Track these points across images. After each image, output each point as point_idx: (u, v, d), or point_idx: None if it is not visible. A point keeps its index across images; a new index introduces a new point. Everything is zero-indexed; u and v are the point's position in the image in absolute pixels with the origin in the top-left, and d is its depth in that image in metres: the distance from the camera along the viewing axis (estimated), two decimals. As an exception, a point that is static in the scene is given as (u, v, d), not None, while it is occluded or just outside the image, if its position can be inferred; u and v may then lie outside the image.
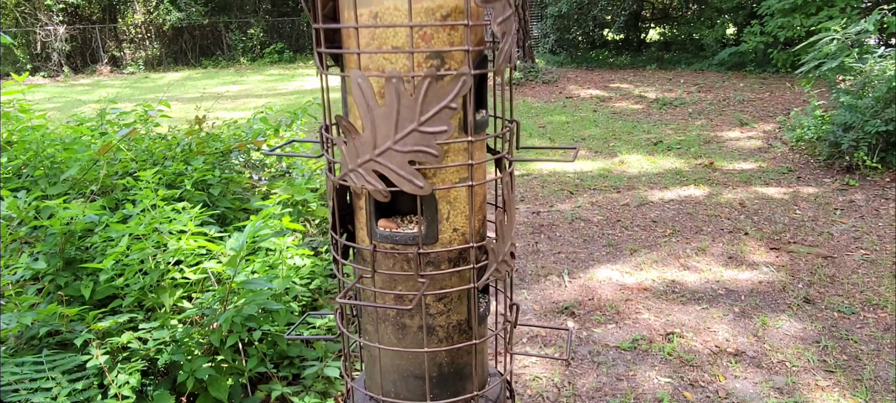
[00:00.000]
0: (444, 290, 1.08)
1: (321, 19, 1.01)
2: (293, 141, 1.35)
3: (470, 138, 1.02)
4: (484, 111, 1.10)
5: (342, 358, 1.26)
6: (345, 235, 1.16)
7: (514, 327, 1.27)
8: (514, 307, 1.26)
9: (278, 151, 1.32)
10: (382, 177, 0.98)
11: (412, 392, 1.14)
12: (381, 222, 1.08)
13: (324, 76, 1.06)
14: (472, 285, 1.10)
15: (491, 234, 1.13)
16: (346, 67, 1.06)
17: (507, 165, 1.12)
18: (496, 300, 1.26)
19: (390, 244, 1.06)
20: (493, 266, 1.09)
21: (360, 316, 1.19)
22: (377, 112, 0.94)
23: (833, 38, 6.60)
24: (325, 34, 1.04)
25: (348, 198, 1.14)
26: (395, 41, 0.96)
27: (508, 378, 1.28)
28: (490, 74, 1.07)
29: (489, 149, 1.17)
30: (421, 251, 1.04)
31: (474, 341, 1.15)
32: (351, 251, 1.17)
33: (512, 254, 1.14)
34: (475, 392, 1.20)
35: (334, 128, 1.13)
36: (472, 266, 1.09)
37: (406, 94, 0.92)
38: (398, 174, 0.96)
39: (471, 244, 1.09)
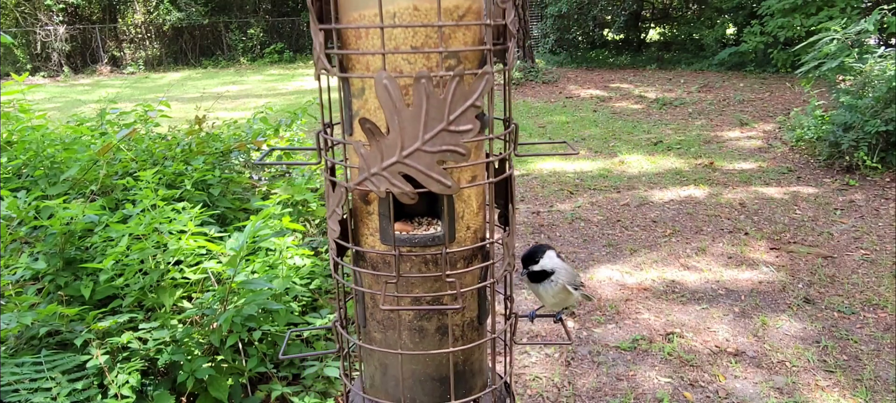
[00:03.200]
0: (461, 289, 1.09)
1: (323, 20, 1.00)
2: (287, 149, 1.34)
3: (488, 136, 1.04)
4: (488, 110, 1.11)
5: (340, 364, 1.26)
6: (350, 241, 1.15)
7: (517, 321, 1.27)
8: (510, 300, 1.26)
9: (273, 162, 1.30)
10: (409, 179, 0.97)
11: (431, 396, 1.14)
12: (397, 225, 1.08)
13: (332, 78, 1.04)
14: (485, 282, 1.11)
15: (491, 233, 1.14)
16: (348, 69, 1.05)
17: (511, 163, 1.14)
18: (493, 298, 1.27)
19: (408, 247, 1.06)
20: (506, 260, 1.10)
21: (366, 325, 1.17)
22: (404, 113, 0.93)
23: (833, 38, 6.60)
24: (327, 38, 1.03)
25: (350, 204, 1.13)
26: (414, 41, 0.96)
27: (509, 373, 1.29)
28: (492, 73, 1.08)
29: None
30: (447, 251, 1.05)
31: (491, 336, 1.17)
32: (353, 257, 1.16)
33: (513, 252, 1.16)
34: (490, 388, 1.21)
35: (332, 131, 1.12)
36: (489, 262, 1.11)
37: (435, 94, 0.92)
38: (427, 175, 0.95)
39: (486, 241, 1.11)
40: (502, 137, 1.12)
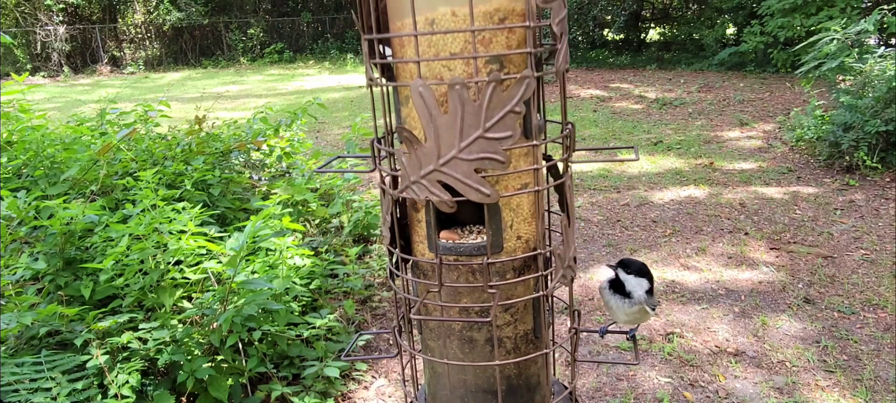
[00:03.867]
0: (510, 300, 1.05)
1: (376, 29, 0.98)
2: (340, 156, 1.33)
3: (534, 142, 1.00)
4: (540, 114, 1.07)
5: (401, 371, 1.23)
6: (399, 249, 1.12)
7: (579, 334, 1.24)
8: (576, 313, 1.22)
9: (327, 168, 1.27)
10: (447, 187, 0.95)
11: None
12: (443, 234, 1.05)
13: (384, 88, 1.02)
14: (538, 293, 1.08)
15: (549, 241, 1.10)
16: (398, 77, 1.03)
17: (568, 168, 1.09)
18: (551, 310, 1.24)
19: (454, 256, 1.03)
20: (559, 271, 1.06)
21: (422, 332, 1.15)
22: (440, 120, 0.91)
23: (833, 38, 6.60)
24: (370, 45, 1.01)
25: (397, 211, 1.11)
26: (453, 47, 0.94)
27: (573, 389, 1.23)
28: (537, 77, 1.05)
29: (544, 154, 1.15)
30: (489, 261, 1.02)
31: (545, 350, 1.12)
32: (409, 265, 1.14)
33: (574, 259, 1.12)
34: (567, 391, 1.19)
35: (386, 139, 1.10)
36: (538, 273, 1.07)
37: (470, 101, 0.90)
38: (464, 183, 0.93)
39: (538, 251, 1.06)
40: (557, 140, 1.08)
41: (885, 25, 8.52)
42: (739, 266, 4.06)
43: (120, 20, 21.52)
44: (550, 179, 1.11)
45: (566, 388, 1.23)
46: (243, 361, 2.59)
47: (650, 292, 1.28)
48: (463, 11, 0.92)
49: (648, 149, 7.21)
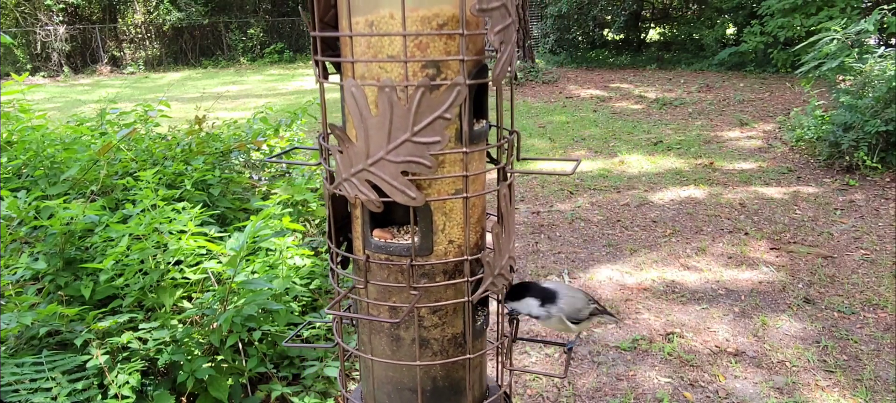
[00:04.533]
0: (438, 303, 1.06)
1: (319, 27, 0.99)
2: (294, 148, 1.35)
3: (465, 149, 0.99)
4: (484, 121, 1.07)
5: (339, 367, 1.25)
6: (344, 245, 1.14)
7: (514, 341, 1.25)
8: (515, 321, 1.23)
9: (276, 158, 1.30)
10: (376, 188, 0.97)
11: None
12: (376, 232, 1.06)
13: (322, 84, 1.04)
14: (466, 298, 1.08)
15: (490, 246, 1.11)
16: (344, 76, 1.04)
17: (507, 177, 1.09)
18: (498, 311, 1.24)
19: (385, 255, 1.05)
20: (488, 279, 1.06)
21: (358, 327, 1.17)
22: (370, 121, 0.93)
23: (833, 38, 6.60)
24: (326, 42, 1.03)
25: (347, 206, 1.13)
26: (391, 50, 0.95)
27: (507, 390, 1.26)
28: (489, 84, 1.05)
29: (491, 159, 1.14)
30: (414, 263, 1.02)
31: (468, 356, 1.12)
32: (350, 260, 1.16)
33: (510, 268, 1.12)
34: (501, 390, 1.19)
35: (329, 136, 1.12)
36: (466, 279, 1.07)
37: (399, 104, 0.91)
38: (391, 184, 0.95)
39: (465, 256, 1.06)
40: (500, 146, 1.08)
41: (885, 25, 8.52)
42: (739, 266, 4.06)
43: (120, 20, 21.52)
44: (493, 185, 1.11)
45: (505, 393, 1.24)
46: (243, 361, 2.59)
47: (548, 307, 1.24)
48: (402, 15, 0.92)
49: (648, 149, 7.21)
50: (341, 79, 1.03)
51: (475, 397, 1.19)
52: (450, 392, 1.15)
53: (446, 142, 0.93)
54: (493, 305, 1.25)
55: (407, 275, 1.04)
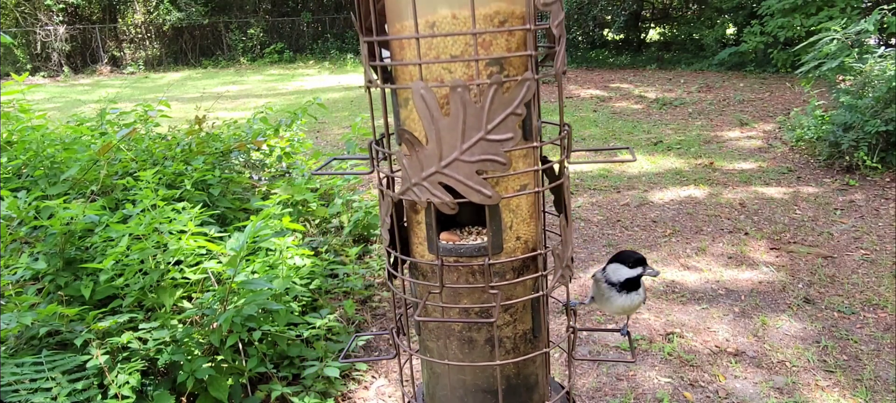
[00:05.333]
0: (510, 301, 1.06)
1: (375, 32, 0.99)
2: (337, 158, 1.33)
3: (535, 143, 1.01)
4: (538, 116, 1.08)
5: (400, 375, 1.23)
6: (398, 250, 1.12)
7: (576, 334, 1.25)
8: (573, 313, 1.24)
9: (325, 170, 1.28)
10: (448, 189, 0.96)
11: None
12: (442, 235, 1.06)
13: (383, 90, 1.02)
14: (537, 294, 1.09)
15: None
16: (397, 80, 1.03)
17: (563, 170, 1.10)
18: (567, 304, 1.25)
19: (454, 257, 1.04)
20: (559, 272, 1.07)
21: (421, 333, 1.15)
22: (442, 123, 0.92)
23: (833, 38, 6.60)
24: (369, 47, 1.02)
25: (403, 213, 1.11)
26: (454, 50, 0.95)
27: (570, 388, 1.24)
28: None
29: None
30: (490, 262, 1.02)
31: (544, 350, 1.13)
32: (404, 268, 1.14)
33: (571, 259, 1.13)
34: (564, 391, 1.20)
35: (385, 141, 1.10)
36: (537, 274, 1.08)
37: (472, 103, 0.90)
38: (466, 184, 0.94)
39: (538, 251, 1.07)
40: (555, 142, 1.09)
41: (885, 25, 8.52)
42: (739, 266, 4.06)
43: (120, 20, 21.52)
44: (547, 181, 1.12)
45: (563, 388, 1.24)
46: (243, 361, 2.59)
47: (640, 277, 1.27)
48: (464, 14, 0.92)
49: (648, 149, 7.21)
50: (393, 86, 1.01)
51: (542, 393, 1.20)
52: (523, 389, 1.15)
53: (519, 138, 0.93)
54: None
55: (485, 276, 1.04)
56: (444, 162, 0.94)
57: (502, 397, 1.10)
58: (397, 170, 1.08)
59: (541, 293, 1.10)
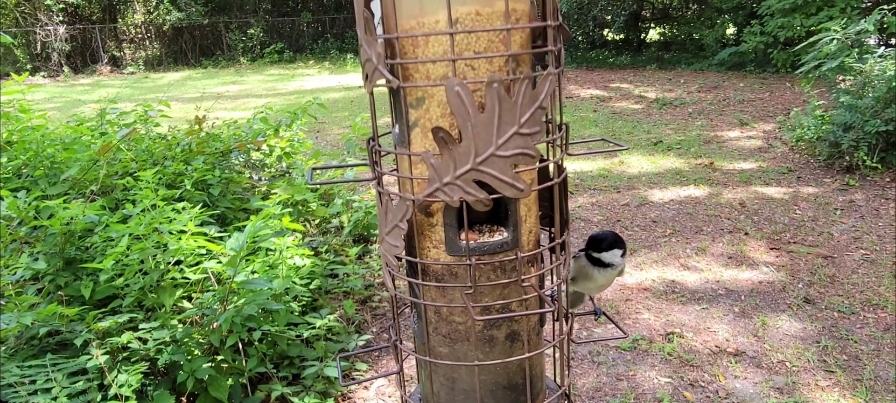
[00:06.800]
0: (527, 295, 1.07)
1: (383, 30, 0.98)
2: (343, 166, 1.33)
3: (554, 136, 1.04)
4: None
5: (401, 382, 1.23)
6: (410, 254, 1.11)
7: (571, 326, 1.27)
8: (568, 304, 1.28)
9: (330, 180, 1.29)
10: (481, 186, 0.96)
11: None
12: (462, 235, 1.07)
13: (401, 89, 1.01)
14: (559, 281, 1.13)
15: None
16: (408, 79, 1.02)
17: (562, 167, 1.13)
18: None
19: (476, 255, 1.05)
20: (570, 260, 1.10)
21: (428, 340, 1.14)
22: (478, 119, 0.92)
23: (833, 38, 6.60)
24: (387, 44, 1.00)
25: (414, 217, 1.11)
26: (477, 46, 0.95)
27: (569, 384, 1.26)
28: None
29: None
30: (519, 256, 1.04)
31: (562, 337, 1.16)
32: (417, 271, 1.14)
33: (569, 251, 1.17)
34: (561, 390, 1.22)
35: (404, 143, 1.08)
36: (558, 263, 1.11)
37: (507, 98, 0.91)
38: (501, 180, 0.95)
39: (554, 242, 1.11)
40: (554, 140, 1.11)
41: (885, 25, 8.52)
42: (739, 266, 4.06)
43: (120, 20, 21.52)
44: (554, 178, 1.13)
45: (560, 387, 1.25)
46: (243, 361, 2.59)
47: (624, 254, 1.34)
48: (487, 11, 0.94)
49: (648, 149, 7.21)
50: (404, 85, 1.00)
51: (543, 385, 1.22)
52: (537, 380, 1.18)
53: (543, 131, 0.95)
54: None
55: (511, 270, 1.05)
56: (481, 158, 0.94)
57: (529, 389, 1.12)
58: (398, 172, 1.07)
59: (556, 283, 1.13)
